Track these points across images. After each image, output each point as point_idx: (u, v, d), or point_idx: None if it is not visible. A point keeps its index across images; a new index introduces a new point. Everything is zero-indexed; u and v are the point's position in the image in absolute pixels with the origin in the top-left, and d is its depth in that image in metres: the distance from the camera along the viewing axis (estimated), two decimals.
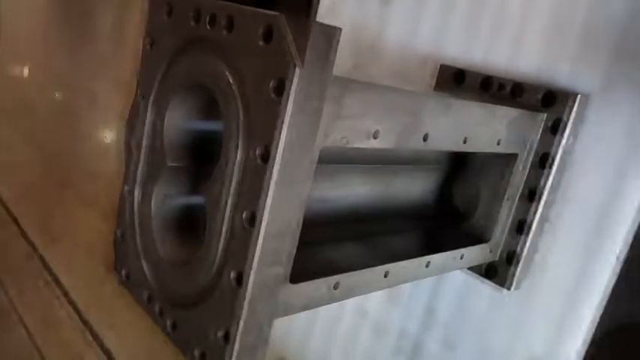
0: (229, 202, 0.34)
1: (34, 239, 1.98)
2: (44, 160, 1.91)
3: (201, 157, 0.42)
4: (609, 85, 0.55)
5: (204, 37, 0.36)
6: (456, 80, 0.66)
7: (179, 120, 0.40)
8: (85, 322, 1.64)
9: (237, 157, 0.33)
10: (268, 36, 0.31)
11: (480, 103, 0.50)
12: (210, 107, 0.40)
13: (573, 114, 0.56)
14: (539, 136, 0.58)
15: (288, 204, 0.33)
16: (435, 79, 0.68)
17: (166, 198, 0.41)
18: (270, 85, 0.31)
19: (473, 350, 0.66)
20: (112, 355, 1.56)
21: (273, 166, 0.31)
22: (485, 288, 0.64)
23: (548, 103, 0.58)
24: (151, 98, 0.41)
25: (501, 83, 0.62)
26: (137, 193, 0.43)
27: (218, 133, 0.41)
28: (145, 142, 0.42)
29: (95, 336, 1.62)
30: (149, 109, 0.42)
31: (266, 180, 0.31)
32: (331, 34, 0.30)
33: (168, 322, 0.39)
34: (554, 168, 0.58)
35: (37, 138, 1.94)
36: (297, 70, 0.29)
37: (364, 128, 0.38)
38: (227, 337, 0.34)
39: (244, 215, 0.33)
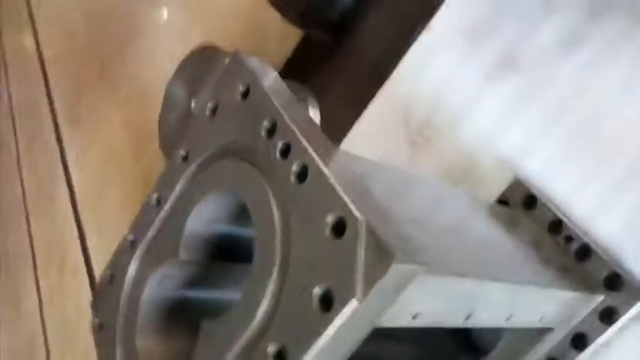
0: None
1: (57, 108, 1.96)
2: (90, 34, 1.85)
3: (217, 254, 0.37)
4: None
5: (264, 154, 0.30)
6: (524, 203, 0.59)
7: (207, 217, 0.34)
8: (78, 221, 1.65)
9: (247, 329, 0.28)
10: (338, 229, 0.25)
11: (539, 287, 0.43)
12: (243, 212, 0.34)
13: (633, 310, 0.50)
14: (584, 316, 0.52)
15: None
16: (503, 192, 0.61)
17: (166, 281, 0.37)
18: (316, 290, 0.25)
19: None
20: (89, 256, 1.57)
21: None
22: None
23: (611, 285, 0.51)
24: (191, 170, 0.36)
25: (571, 236, 0.55)
26: (136, 259, 0.38)
27: (245, 237, 0.36)
28: (163, 213, 0.37)
29: (81, 233, 1.63)
30: (183, 179, 0.36)
31: None
32: (411, 272, 0.24)
33: None
34: (585, 352, 0.52)
35: (89, 9, 1.87)
36: (354, 301, 0.24)
37: (406, 312, 0.33)
38: None
39: None
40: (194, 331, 0.33)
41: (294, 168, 0.28)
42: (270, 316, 0.27)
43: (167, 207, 0.37)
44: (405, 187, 0.46)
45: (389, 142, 0.76)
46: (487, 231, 0.49)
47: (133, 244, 0.39)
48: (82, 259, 1.56)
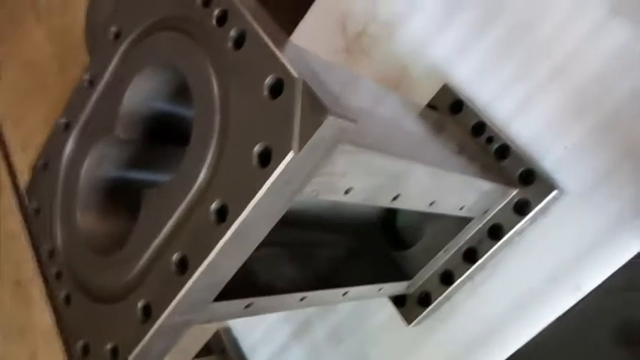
0: (164, 231, 0.30)
1: None
2: None
3: (154, 133, 0.37)
4: (591, 192, 0.54)
5: (206, 29, 0.30)
6: (451, 108, 0.63)
7: (144, 92, 0.34)
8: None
9: (191, 191, 0.29)
10: (275, 90, 0.26)
11: (461, 173, 0.47)
12: (183, 88, 0.34)
13: (542, 204, 0.55)
14: (500, 207, 0.57)
15: (230, 263, 0.30)
16: (432, 96, 0.64)
17: (102, 164, 0.37)
18: (256, 148, 0.26)
19: (353, 355, 0.69)
20: (16, 176, 1.51)
21: (227, 231, 0.27)
22: (389, 308, 0.65)
23: (525, 181, 0.56)
24: (124, 46, 0.35)
25: (492, 137, 0.59)
26: (74, 137, 0.37)
27: (183, 117, 0.36)
28: (100, 89, 0.36)
29: (6, 153, 1.54)
30: (117, 56, 0.36)
31: (214, 240, 0.28)
32: (344, 127, 0.26)
33: (63, 293, 0.36)
34: (501, 241, 0.57)
35: None
36: (291, 154, 0.25)
37: (339, 186, 0.35)
38: (115, 354, 0.32)
39: (175, 257, 0.29)
40: (134, 211, 0.34)
41: (232, 34, 0.28)
42: (211, 179, 0.29)
43: (100, 86, 0.36)
44: (348, 83, 0.47)
45: (326, 51, 0.77)
46: (417, 127, 0.52)
47: (66, 127, 0.38)
48: (9, 179, 1.50)
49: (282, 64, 0.26)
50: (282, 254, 0.49)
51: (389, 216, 0.65)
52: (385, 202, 0.41)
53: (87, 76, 0.38)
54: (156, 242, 0.30)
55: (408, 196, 0.42)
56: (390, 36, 0.70)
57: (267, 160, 0.26)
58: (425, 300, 0.62)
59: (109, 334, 0.32)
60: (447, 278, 0.60)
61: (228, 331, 0.84)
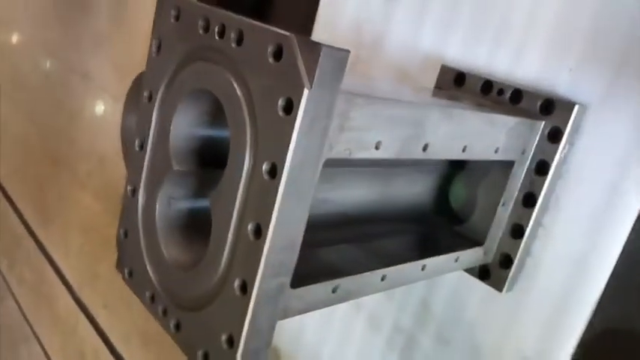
0: (235, 212, 0.34)
1: (28, 217, 1.98)
2: (37, 135, 1.89)
3: (208, 161, 0.42)
4: (609, 97, 0.56)
5: (214, 47, 0.36)
6: (456, 82, 0.67)
7: (186, 125, 0.40)
8: (78, 301, 1.66)
9: (243, 169, 0.34)
10: (278, 54, 0.32)
11: (479, 111, 0.51)
12: (218, 113, 0.40)
13: (570, 123, 0.57)
14: (536, 143, 0.59)
15: (294, 217, 0.34)
16: (437, 79, 0.69)
17: (171, 201, 0.42)
18: (279, 103, 0.31)
19: (465, 347, 0.68)
20: (106, 335, 1.58)
21: (280, 182, 0.32)
22: (479, 287, 0.66)
23: (547, 111, 0.59)
24: (157, 101, 0.42)
25: (501, 88, 0.63)
26: (142, 194, 0.43)
27: (225, 139, 0.41)
28: (150, 144, 0.43)
29: (88, 315, 1.64)
30: (155, 112, 0.42)
31: (273, 195, 0.32)
32: (340, 56, 0.31)
33: (172, 323, 0.40)
34: (550, 175, 0.59)
35: (29, 111, 1.92)
36: (306, 91, 0.30)
37: (367, 140, 0.39)
38: (231, 342, 0.35)
39: (250, 227, 0.33)
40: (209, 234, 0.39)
41: (232, 36, 0.34)
42: (255, 146, 0.33)
43: (149, 143, 0.43)
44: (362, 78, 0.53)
45: None
46: (430, 93, 0.57)
47: (133, 193, 0.44)
48: (101, 342, 1.57)
49: (275, 32, 0.32)
50: (354, 248, 0.52)
51: (442, 202, 0.67)
52: (417, 153, 0.44)
53: (137, 141, 0.44)
54: (232, 226, 0.35)
55: (436, 143, 0.46)
56: (380, 51, 0.77)
57: (290, 107, 0.31)
58: (506, 261, 0.62)
59: (219, 329, 0.36)
60: (517, 231, 0.61)
61: None
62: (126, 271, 0.46)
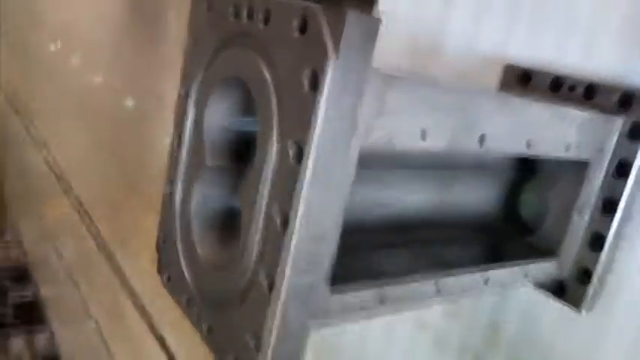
0: (263, 203, 0.32)
1: (106, 239, 2.07)
2: (115, 165, 1.99)
3: (242, 157, 0.40)
4: None
5: (243, 31, 0.35)
6: (521, 81, 0.62)
7: (218, 117, 0.39)
8: (148, 321, 1.69)
9: (271, 156, 0.31)
10: (303, 27, 0.29)
11: (543, 103, 0.45)
12: (249, 104, 0.38)
13: None
14: (615, 141, 0.52)
15: (325, 206, 0.30)
16: (500, 80, 0.64)
17: (206, 198, 0.40)
18: (304, 78, 0.29)
19: None
20: (172, 354, 1.60)
21: (306, 166, 0.29)
22: (553, 305, 0.59)
23: (626, 105, 0.52)
24: (193, 95, 0.41)
25: (572, 84, 0.57)
26: (178, 194, 0.42)
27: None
28: (186, 141, 0.41)
29: (157, 335, 1.66)
30: (190, 106, 0.41)
31: (299, 181, 0.29)
32: (370, 24, 0.28)
33: (205, 327, 0.38)
34: (632, 177, 0.52)
35: (108, 142, 2.02)
36: (332, 61, 0.27)
37: (410, 127, 0.36)
38: (259, 345, 0.32)
39: (278, 218, 0.31)
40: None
41: (259, 17, 0.33)
42: (281, 125, 0.31)
43: (185, 139, 0.41)
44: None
45: None
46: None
47: (171, 194, 0.43)
48: None
49: (300, 5, 0.29)
50: (408, 253, 0.48)
51: (510, 209, 0.62)
52: (473, 146, 0.40)
53: (176, 140, 0.43)
54: (261, 217, 0.32)
55: (494, 134, 0.41)
56: (437, 54, 0.73)
57: (315, 81, 0.28)
58: (584, 275, 0.55)
59: (248, 331, 0.33)
60: (596, 241, 0.54)
61: None
62: (165, 276, 0.44)
